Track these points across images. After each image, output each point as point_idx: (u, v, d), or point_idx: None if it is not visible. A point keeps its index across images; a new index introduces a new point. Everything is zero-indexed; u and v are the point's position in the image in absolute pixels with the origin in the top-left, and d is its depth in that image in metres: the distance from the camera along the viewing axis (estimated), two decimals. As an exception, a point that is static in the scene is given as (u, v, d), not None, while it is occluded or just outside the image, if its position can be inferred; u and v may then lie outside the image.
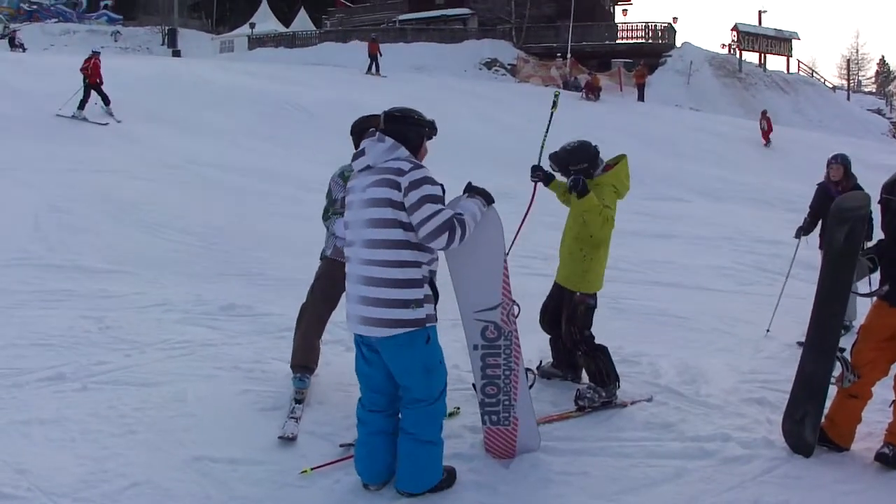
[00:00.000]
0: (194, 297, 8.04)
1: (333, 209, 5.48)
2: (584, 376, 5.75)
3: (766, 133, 27.78)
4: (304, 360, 5.54)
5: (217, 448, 4.73)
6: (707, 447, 4.87)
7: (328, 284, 5.52)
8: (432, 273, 4.19)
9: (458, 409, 5.26)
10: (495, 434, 4.68)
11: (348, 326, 4.27)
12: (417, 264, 4.07)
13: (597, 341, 5.65)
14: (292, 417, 5.13)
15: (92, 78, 19.52)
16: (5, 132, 15.96)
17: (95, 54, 20.13)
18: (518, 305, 4.58)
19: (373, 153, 4.16)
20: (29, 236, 10.35)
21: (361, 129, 5.02)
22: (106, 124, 18.80)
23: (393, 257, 4.04)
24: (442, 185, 4.12)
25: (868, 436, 4.97)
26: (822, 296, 4.89)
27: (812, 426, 4.76)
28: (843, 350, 4.81)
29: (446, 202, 4.19)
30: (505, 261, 4.52)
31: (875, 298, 4.95)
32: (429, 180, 4.04)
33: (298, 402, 5.31)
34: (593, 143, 5.67)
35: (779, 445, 4.91)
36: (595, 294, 5.66)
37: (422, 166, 4.11)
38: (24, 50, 37.01)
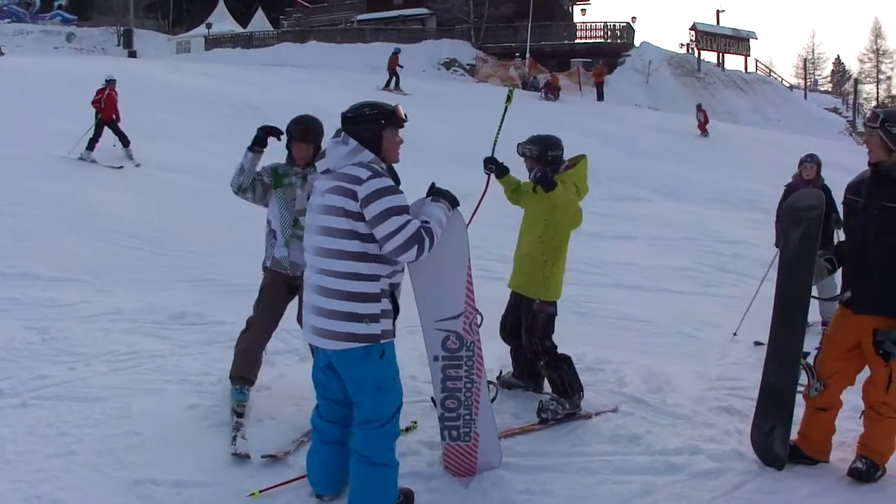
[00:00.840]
0: (145, 306, 7.76)
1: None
2: (547, 386, 5.55)
3: (703, 125, 28.29)
4: (245, 372, 5.34)
5: (161, 469, 4.48)
6: (676, 461, 4.69)
7: (271, 297, 5.38)
8: (393, 286, 3.96)
9: (416, 423, 5.04)
10: (455, 451, 4.46)
11: (304, 336, 4.07)
12: (375, 278, 3.84)
13: (559, 349, 5.46)
14: (238, 433, 4.88)
15: (106, 113, 16.34)
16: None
17: (109, 83, 16.82)
18: (481, 315, 4.39)
19: (333, 156, 3.93)
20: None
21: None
22: (120, 167, 15.91)
23: (348, 269, 3.82)
24: (402, 193, 3.89)
25: (840, 445, 4.81)
26: (781, 300, 4.72)
27: (781, 438, 4.59)
28: (806, 355, 4.63)
29: (410, 203, 3.97)
30: (469, 268, 4.32)
31: (838, 305, 4.78)
32: (388, 191, 3.78)
33: (239, 415, 5.09)
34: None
35: (750, 458, 4.73)
36: (555, 301, 5.48)
37: (382, 174, 3.83)
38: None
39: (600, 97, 34.84)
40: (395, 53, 32.21)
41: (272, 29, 52.55)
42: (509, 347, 5.89)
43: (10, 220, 10.99)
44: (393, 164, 4.03)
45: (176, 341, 6.78)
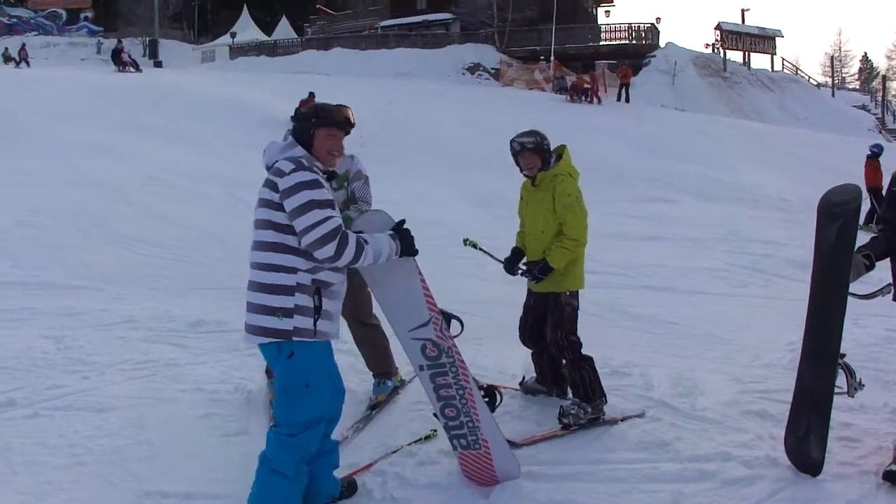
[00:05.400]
0: (162, 314, 7.68)
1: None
2: (570, 392, 5.35)
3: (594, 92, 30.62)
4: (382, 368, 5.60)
5: (172, 480, 4.35)
6: (706, 468, 4.46)
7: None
8: (319, 283, 3.74)
9: (435, 431, 4.84)
10: (469, 459, 4.28)
11: None
12: (291, 270, 3.68)
13: (584, 351, 5.26)
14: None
15: None
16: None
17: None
18: (461, 322, 4.28)
19: (270, 152, 3.90)
20: (-7, 253, 9.97)
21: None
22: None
23: (264, 260, 3.72)
24: (326, 188, 3.75)
25: (878, 450, 4.58)
26: (817, 299, 4.49)
27: (818, 442, 4.34)
28: (843, 355, 4.40)
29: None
30: (421, 277, 4.14)
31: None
32: (311, 184, 3.67)
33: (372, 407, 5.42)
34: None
35: (783, 464, 4.48)
36: (578, 293, 5.33)
37: (307, 168, 3.72)
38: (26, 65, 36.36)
39: (626, 99, 34.47)
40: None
41: (296, 36, 52.74)
42: (531, 353, 5.70)
43: (31, 230, 10.95)
44: (330, 167, 3.93)
45: (193, 349, 6.68)
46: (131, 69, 31.24)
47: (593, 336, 5.79)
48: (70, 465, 4.52)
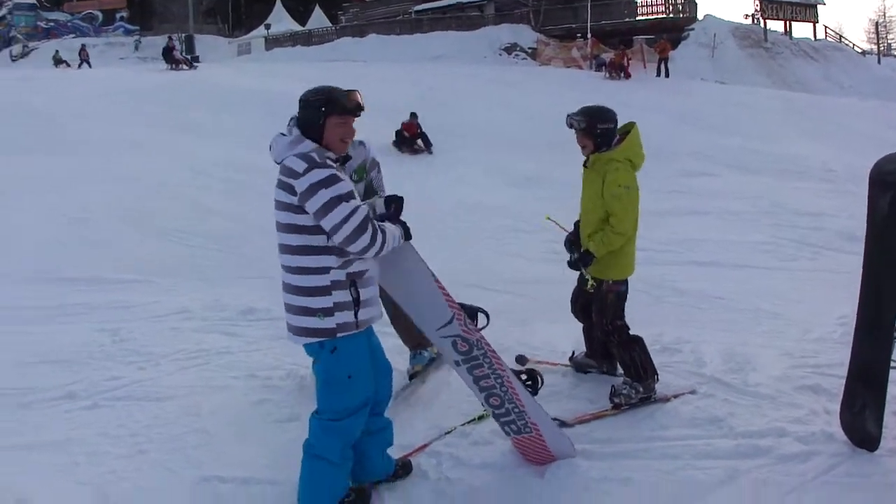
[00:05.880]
0: (212, 303, 7.79)
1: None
2: (621, 369, 5.34)
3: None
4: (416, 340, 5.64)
5: (229, 466, 4.45)
6: (760, 444, 4.43)
7: None
8: (353, 276, 3.73)
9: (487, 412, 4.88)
10: (524, 443, 4.32)
11: None
12: (323, 270, 3.67)
13: (633, 329, 5.24)
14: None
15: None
16: (25, 149, 15.70)
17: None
18: (487, 314, 4.29)
19: (277, 148, 3.78)
20: (47, 250, 10.14)
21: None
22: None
23: (295, 263, 3.70)
24: (344, 179, 3.69)
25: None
26: (870, 271, 4.38)
27: (874, 416, 4.29)
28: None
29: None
30: (434, 276, 4.13)
31: None
32: (329, 181, 3.58)
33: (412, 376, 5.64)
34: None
35: (840, 439, 4.45)
36: (626, 280, 5.26)
37: (320, 165, 3.62)
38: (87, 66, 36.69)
39: (666, 73, 34.02)
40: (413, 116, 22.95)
41: (330, 25, 52.78)
42: (582, 326, 5.67)
43: (80, 227, 11.12)
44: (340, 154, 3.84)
45: (244, 337, 6.78)
46: (184, 66, 30.72)
47: (643, 313, 5.77)
48: (131, 454, 4.64)
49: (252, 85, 24.82)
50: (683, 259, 10.17)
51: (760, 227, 12.23)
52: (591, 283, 5.17)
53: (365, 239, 3.61)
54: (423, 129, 19.63)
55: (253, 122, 20.40)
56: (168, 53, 30.90)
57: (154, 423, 5.04)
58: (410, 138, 19.55)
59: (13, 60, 52.28)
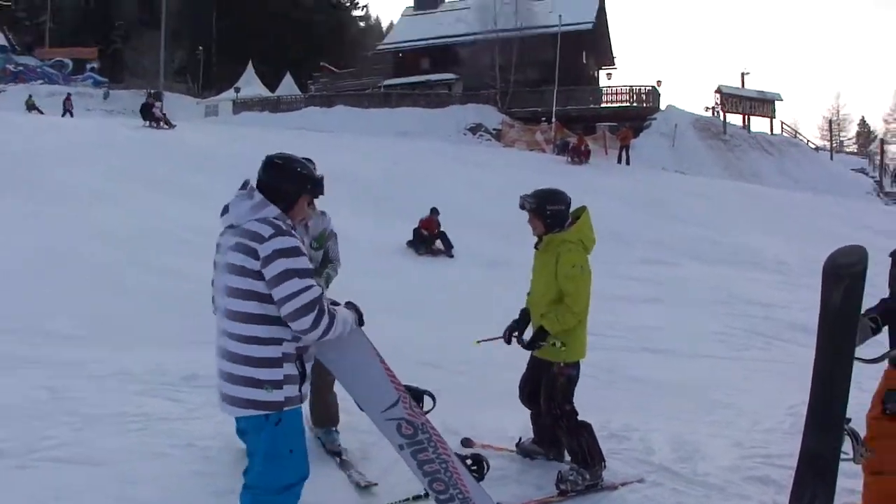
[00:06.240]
0: (157, 367, 7.58)
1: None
2: (568, 456, 5.25)
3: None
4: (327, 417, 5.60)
5: (160, 539, 4.24)
6: (708, 536, 4.37)
7: None
8: (301, 350, 3.67)
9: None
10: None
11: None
12: (276, 341, 3.58)
13: (581, 415, 5.17)
14: (347, 468, 5.26)
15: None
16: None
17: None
18: (433, 397, 4.22)
19: (237, 210, 3.68)
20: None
21: None
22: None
23: (247, 332, 3.56)
24: (306, 253, 3.66)
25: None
26: (822, 363, 4.38)
27: (823, 509, 4.26)
28: (849, 420, 4.32)
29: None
30: (380, 358, 4.07)
31: (886, 364, 4.47)
32: (291, 252, 3.54)
33: (337, 454, 5.45)
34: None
35: (789, 532, 4.38)
36: (578, 363, 5.21)
37: (286, 233, 3.58)
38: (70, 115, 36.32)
39: (627, 161, 34.59)
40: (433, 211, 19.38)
41: (300, 93, 53.24)
42: (530, 413, 5.60)
43: (36, 278, 10.92)
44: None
45: (187, 404, 6.58)
46: (164, 125, 29.51)
47: (592, 398, 5.72)
48: (57, 521, 4.43)
49: (220, 146, 24.84)
50: (637, 346, 10.21)
51: (715, 316, 12.36)
52: (554, 342, 5.12)
53: (308, 320, 3.52)
54: (443, 228, 17.82)
55: (220, 184, 20.35)
56: (147, 110, 29.95)
57: (85, 489, 4.81)
58: (430, 237, 17.67)
59: (-23, 101, 51.84)
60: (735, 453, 5.78)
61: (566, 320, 5.04)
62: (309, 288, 3.52)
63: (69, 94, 41.73)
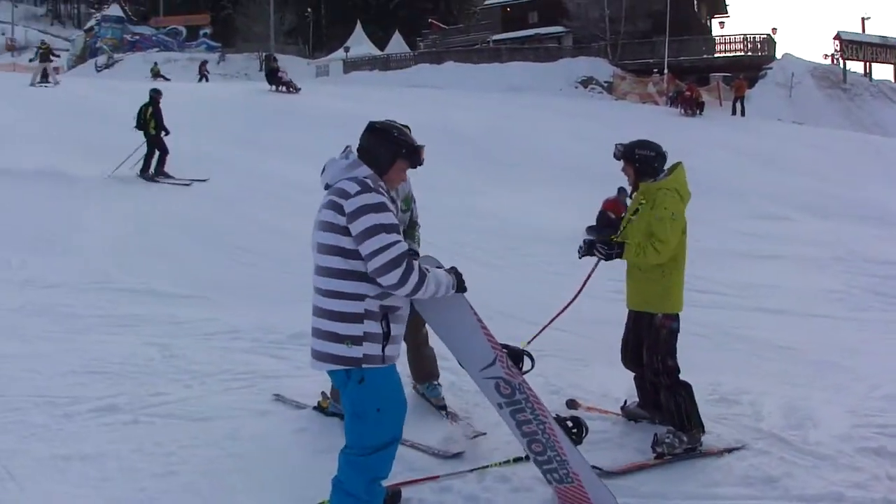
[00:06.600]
0: (265, 325, 7.72)
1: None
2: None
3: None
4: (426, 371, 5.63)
5: (261, 496, 4.36)
6: (816, 510, 4.16)
7: None
8: (386, 309, 3.65)
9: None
10: (566, 493, 4.13)
11: None
12: (359, 297, 3.58)
13: (693, 376, 5.04)
14: (455, 420, 5.32)
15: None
16: (98, 157, 16.01)
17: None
18: (532, 358, 4.14)
19: (331, 170, 3.79)
20: (109, 260, 10.30)
21: None
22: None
23: (332, 287, 3.61)
24: (393, 211, 3.65)
25: None
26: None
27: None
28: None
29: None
30: (477, 316, 4.05)
31: None
32: (378, 207, 3.57)
33: (442, 407, 5.47)
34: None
35: (903, 508, 4.15)
36: (678, 316, 5.08)
37: (373, 190, 3.62)
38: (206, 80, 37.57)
39: (741, 112, 33.44)
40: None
41: (409, 51, 53.28)
42: (633, 376, 5.46)
43: (147, 239, 11.30)
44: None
45: (293, 361, 6.66)
46: (291, 90, 29.45)
47: (702, 359, 5.56)
48: (164, 473, 4.59)
49: (329, 105, 25.12)
50: (751, 305, 9.84)
51: (834, 274, 11.81)
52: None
53: (396, 274, 3.52)
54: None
55: (327, 142, 20.63)
56: (273, 75, 30.02)
57: (192, 444, 4.96)
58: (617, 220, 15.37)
59: (98, 71, 54.02)
60: (849, 421, 5.48)
61: (646, 255, 4.94)
62: (396, 243, 3.54)
63: (205, 61, 43.23)
